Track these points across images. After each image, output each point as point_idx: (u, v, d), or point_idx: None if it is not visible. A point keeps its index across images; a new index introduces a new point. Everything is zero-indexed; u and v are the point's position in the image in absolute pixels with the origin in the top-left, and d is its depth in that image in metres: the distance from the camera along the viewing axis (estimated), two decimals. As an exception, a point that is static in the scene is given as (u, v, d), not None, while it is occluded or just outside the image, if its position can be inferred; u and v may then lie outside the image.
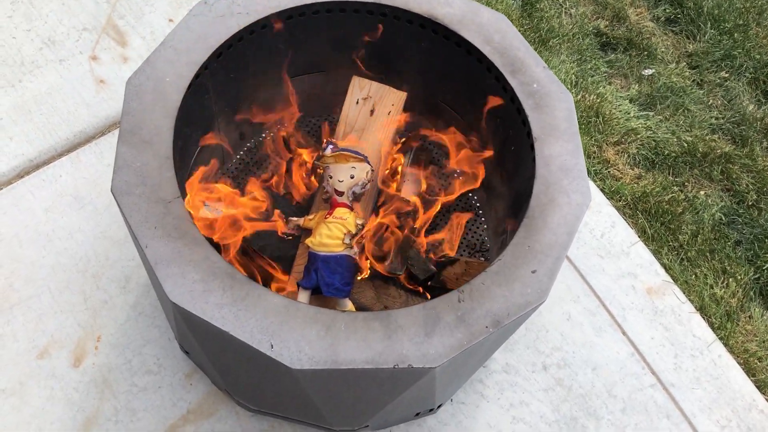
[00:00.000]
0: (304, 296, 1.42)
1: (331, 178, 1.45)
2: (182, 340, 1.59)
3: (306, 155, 1.61)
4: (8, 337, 1.64)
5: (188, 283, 1.14)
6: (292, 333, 1.12)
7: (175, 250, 1.17)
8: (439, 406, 1.66)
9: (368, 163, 1.46)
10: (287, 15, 1.46)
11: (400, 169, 1.69)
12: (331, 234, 1.39)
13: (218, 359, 1.41)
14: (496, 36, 1.47)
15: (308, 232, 1.48)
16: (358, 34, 1.54)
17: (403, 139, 1.73)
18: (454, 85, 1.61)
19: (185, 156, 1.46)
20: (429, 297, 1.55)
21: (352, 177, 1.43)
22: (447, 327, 1.16)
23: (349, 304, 1.41)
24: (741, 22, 2.64)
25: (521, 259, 1.24)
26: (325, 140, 1.55)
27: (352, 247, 1.40)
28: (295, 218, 1.50)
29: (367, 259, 1.47)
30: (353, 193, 1.45)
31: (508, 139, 1.52)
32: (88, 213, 1.81)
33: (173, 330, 1.63)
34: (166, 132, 1.28)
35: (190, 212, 1.21)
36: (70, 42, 2.07)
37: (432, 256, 1.56)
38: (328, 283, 1.38)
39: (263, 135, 1.79)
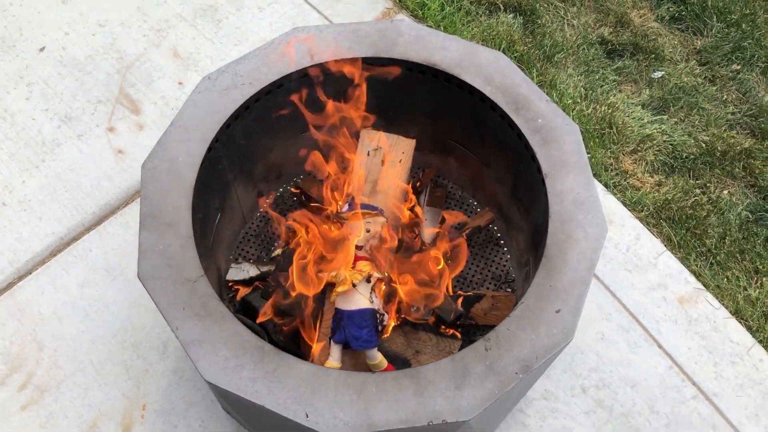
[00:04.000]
0: (336, 350, 1.44)
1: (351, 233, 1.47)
2: (223, 404, 1.62)
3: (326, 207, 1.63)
4: (58, 414, 1.69)
5: (220, 360, 1.18)
6: (324, 400, 1.14)
7: (204, 329, 1.21)
8: (482, 442, 1.67)
9: (383, 215, 1.49)
10: (289, 79, 1.50)
11: (417, 210, 1.71)
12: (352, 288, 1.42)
13: (258, 425, 1.44)
14: (496, 76, 1.48)
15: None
16: (360, 86, 1.56)
17: (417, 181, 1.75)
18: (461, 124, 1.63)
19: (206, 225, 1.50)
20: (459, 336, 1.57)
21: (368, 231, 1.46)
22: (477, 378, 1.17)
23: (378, 356, 1.43)
24: (747, 11, 2.61)
25: (544, 300, 1.25)
26: (345, 195, 1.57)
27: (374, 300, 1.42)
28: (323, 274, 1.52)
29: (396, 309, 1.49)
30: (371, 245, 1.47)
31: (520, 174, 1.53)
32: (120, 284, 1.86)
33: (214, 392, 1.67)
34: (184, 211, 1.32)
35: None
36: (86, 116, 2.14)
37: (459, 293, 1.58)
38: (355, 336, 1.40)
39: (281, 190, 1.82)
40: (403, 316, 1.51)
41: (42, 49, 2.26)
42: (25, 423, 1.68)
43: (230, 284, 1.64)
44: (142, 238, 1.29)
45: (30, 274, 1.87)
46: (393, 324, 1.48)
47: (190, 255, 1.28)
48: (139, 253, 1.27)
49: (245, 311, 1.60)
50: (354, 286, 1.42)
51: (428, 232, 1.70)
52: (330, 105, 1.49)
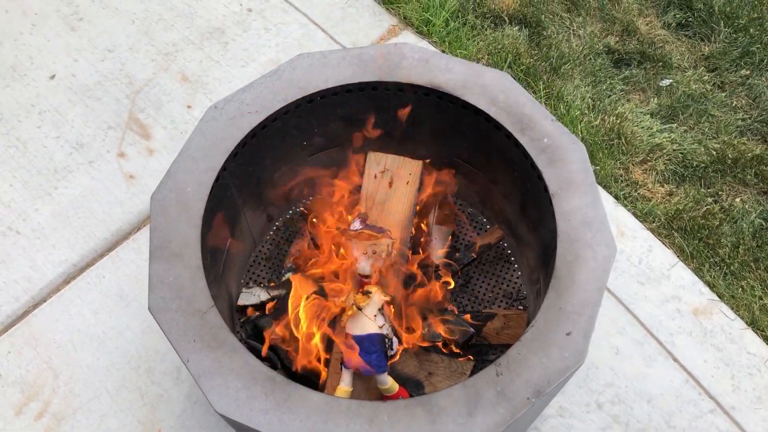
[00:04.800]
0: (347, 375, 1.44)
1: (356, 260, 1.48)
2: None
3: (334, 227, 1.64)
4: (74, 442, 1.71)
5: (231, 392, 1.18)
6: (337, 429, 1.14)
7: (215, 360, 1.21)
8: (497, 462, 1.66)
9: (390, 237, 1.49)
10: (296, 104, 1.50)
11: (425, 227, 1.71)
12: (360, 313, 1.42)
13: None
14: (500, 96, 1.48)
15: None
16: (366, 110, 1.57)
17: (424, 199, 1.75)
18: (467, 143, 1.63)
19: (216, 252, 1.50)
20: (472, 358, 1.56)
21: (374, 252, 1.46)
22: (489, 403, 1.17)
23: (389, 380, 1.43)
24: (755, 15, 2.59)
25: (554, 323, 1.25)
26: (356, 213, 1.58)
27: (383, 325, 1.42)
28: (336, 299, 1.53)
29: (406, 332, 1.49)
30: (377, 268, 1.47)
31: (527, 192, 1.53)
32: (133, 310, 1.87)
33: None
34: (193, 242, 1.33)
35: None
36: (97, 142, 2.16)
37: (467, 318, 1.58)
38: (365, 362, 1.40)
39: (289, 213, 1.83)
40: (413, 339, 1.50)
41: (52, 77, 2.29)
42: (42, 451, 1.69)
43: (240, 309, 1.65)
44: (153, 270, 1.30)
45: (45, 302, 1.89)
46: (403, 348, 1.48)
47: (200, 285, 1.28)
48: (149, 285, 1.28)
49: (256, 336, 1.61)
50: (360, 309, 1.42)
51: (437, 251, 1.70)
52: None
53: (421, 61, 1.52)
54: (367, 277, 1.46)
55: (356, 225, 1.52)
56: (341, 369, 1.46)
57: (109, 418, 1.74)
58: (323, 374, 1.46)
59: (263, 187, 1.67)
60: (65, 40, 2.37)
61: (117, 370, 1.80)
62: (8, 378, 1.78)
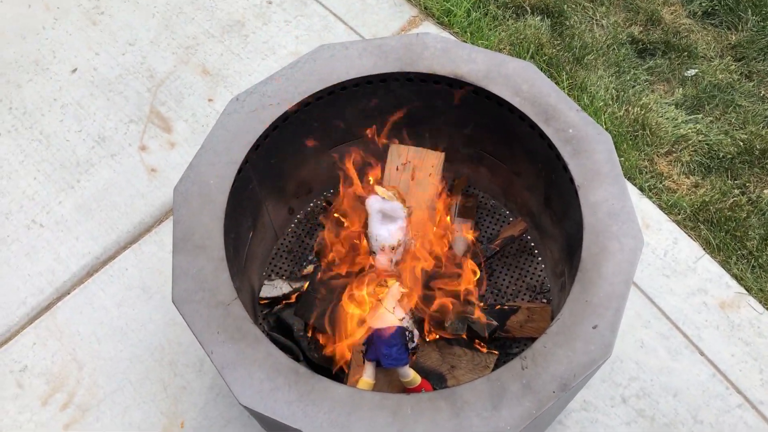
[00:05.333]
0: (369, 368, 1.43)
1: (374, 254, 1.47)
2: (260, 423, 1.63)
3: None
4: (99, 433, 1.72)
5: (255, 384, 1.18)
6: (360, 422, 1.14)
7: (239, 352, 1.21)
8: (521, 456, 1.65)
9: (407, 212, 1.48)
10: (317, 96, 1.50)
11: (447, 220, 1.69)
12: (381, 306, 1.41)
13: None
14: (524, 85, 1.46)
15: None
16: (387, 101, 1.56)
17: (448, 191, 1.74)
18: (491, 135, 1.61)
19: (239, 245, 1.50)
20: (496, 352, 1.55)
21: (392, 248, 1.45)
22: (514, 397, 1.15)
23: (411, 373, 1.42)
24: (783, 3, 2.54)
25: (580, 316, 1.23)
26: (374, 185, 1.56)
27: (403, 318, 1.41)
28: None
29: (429, 325, 1.48)
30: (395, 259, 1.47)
31: (552, 183, 1.51)
32: (156, 302, 1.88)
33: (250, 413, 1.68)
34: (216, 234, 1.33)
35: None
36: (118, 136, 2.17)
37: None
38: (385, 354, 1.39)
39: (311, 205, 1.83)
40: (436, 331, 1.49)
41: (74, 71, 2.30)
42: (67, 442, 1.71)
43: (262, 302, 1.65)
44: (176, 262, 1.30)
45: (68, 294, 1.91)
46: (427, 340, 1.47)
47: (223, 277, 1.28)
48: (173, 277, 1.28)
49: (279, 328, 1.61)
50: (380, 301, 1.41)
51: (460, 244, 1.68)
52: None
53: (443, 51, 1.51)
54: (386, 271, 1.45)
55: (373, 203, 1.49)
56: (363, 362, 1.45)
57: (133, 410, 1.75)
58: (345, 367, 1.46)
59: (285, 179, 1.67)
60: (87, 34, 2.38)
61: (140, 362, 1.81)
62: (34, 369, 1.80)
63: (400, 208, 1.48)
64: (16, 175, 2.10)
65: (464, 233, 1.65)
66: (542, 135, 1.43)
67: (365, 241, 1.52)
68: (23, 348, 1.83)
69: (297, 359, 1.54)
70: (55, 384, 1.78)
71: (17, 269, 1.95)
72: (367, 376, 1.41)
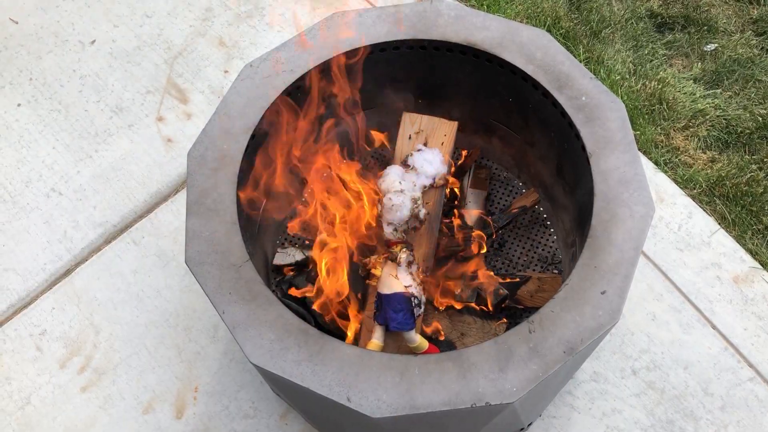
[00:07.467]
0: (378, 331, 1.45)
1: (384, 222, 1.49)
2: (271, 386, 1.65)
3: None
4: (116, 396, 1.75)
5: (266, 343, 1.20)
6: (368, 382, 1.15)
7: (250, 312, 1.23)
8: (530, 424, 1.66)
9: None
10: (329, 64, 1.50)
11: (458, 191, 1.70)
12: (389, 273, 1.43)
13: (305, 405, 1.46)
14: (538, 53, 1.45)
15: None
16: (401, 69, 1.56)
17: (461, 161, 1.74)
18: (503, 104, 1.60)
19: (252, 212, 1.52)
20: (505, 320, 1.56)
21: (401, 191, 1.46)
22: (521, 360, 1.16)
23: (417, 338, 1.43)
24: (808, -24, 2.49)
25: (589, 281, 1.23)
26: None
27: (410, 285, 1.42)
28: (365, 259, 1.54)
29: (439, 293, 1.50)
30: (407, 227, 1.47)
31: (564, 153, 1.51)
32: (171, 269, 1.91)
33: (262, 375, 1.71)
34: (229, 198, 1.35)
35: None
36: (136, 107, 2.19)
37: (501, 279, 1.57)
38: (392, 319, 1.41)
39: (325, 174, 1.83)
40: (446, 299, 1.51)
41: (93, 42, 2.33)
42: (85, 404, 1.74)
43: (276, 269, 1.67)
44: (189, 224, 1.32)
45: (86, 261, 1.94)
46: (437, 309, 1.48)
47: (236, 240, 1.30)
48: (186, 238, 1.30)
49: (292, 296, 1.62)
50: (387, 267, 1.42)
51: (472, 214, 1.69)
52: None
53: (457, 18, 1.50)
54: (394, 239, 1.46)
55: (392, 173, 1.50)
56: (374, 325, 1.47)
57: (148, 374, 1.78)
58: (352, 327, 1.47)
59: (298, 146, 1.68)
60: (105, 6, 2.40)
61: (156, 327, 1.84)
62: (53, 333, 1.84)
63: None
64: (35, 144, 2.13)
65: (474, 211, 1.65)
66: (555, 103, 1.43)
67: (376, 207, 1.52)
68: (42, 312, 1.87)
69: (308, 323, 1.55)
70: (72, 348, 1.82)
71: (36, 236, 1.98)
72: (376, 338, 1.42)
